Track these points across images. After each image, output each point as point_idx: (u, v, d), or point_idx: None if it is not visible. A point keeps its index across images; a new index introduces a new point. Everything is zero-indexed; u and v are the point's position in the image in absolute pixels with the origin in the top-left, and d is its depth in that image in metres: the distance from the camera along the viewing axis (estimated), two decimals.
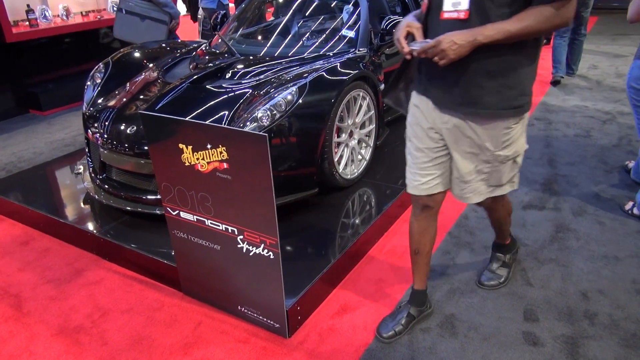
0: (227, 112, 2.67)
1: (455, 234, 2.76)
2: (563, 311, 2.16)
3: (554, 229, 2.76)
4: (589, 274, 2.38)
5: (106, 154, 2.78)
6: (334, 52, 3.30)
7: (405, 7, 4.14)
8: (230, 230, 1.99)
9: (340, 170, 2.87)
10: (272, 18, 4.17)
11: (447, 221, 2.89)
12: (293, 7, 3.81)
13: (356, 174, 3.04)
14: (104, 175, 2.88)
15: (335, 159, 2.82)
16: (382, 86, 3.26)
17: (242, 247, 1.99)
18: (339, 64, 2.86)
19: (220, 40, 3.66)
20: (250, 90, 2.80)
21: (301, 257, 2.43)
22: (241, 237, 1.98)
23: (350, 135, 2.99)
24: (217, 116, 2.66)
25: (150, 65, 3.41)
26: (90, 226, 2.74)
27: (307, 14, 3.82)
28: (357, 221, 2.71)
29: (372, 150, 3.19)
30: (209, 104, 2.75)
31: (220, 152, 1.83)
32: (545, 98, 5.01)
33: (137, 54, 3.60)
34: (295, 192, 2.71)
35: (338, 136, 2.88)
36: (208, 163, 1.89)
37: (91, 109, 3.07)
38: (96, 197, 2.81)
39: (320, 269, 2.30)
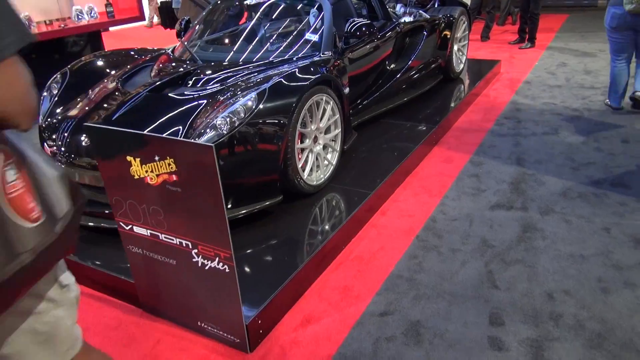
0: (185, 121, 2.60)
1: (423, 237, 2.73)
2: (528, 313, 2.13)
3: (521, 229, 2.75)
4: (555, 274, 2.36)
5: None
6: (298, 56, 3.25)
7: (371, 9, 4.12)
8: (184, 244, 1.93)
9: (304, 177, 2.82)
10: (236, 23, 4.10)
11: (415, 225, 2.86)
12: (258, 12, 3.76)
13: (322, 179, 2.99)
14: None
15: (299, 166, 2.77)
16: (347, 90, 3.22)
17: (198, 261, 1.93)
18: (298, 69, 2.81)
19: (183, 47, 3.58)
20: (209, 99, 2.73)
21: (264, 267, 2.37)
22: (195, 250, 1.91)
23: (315, 140, 2.94)
24: (175, 125, 2.59)
25: (112, 73, 3.32)
26: None
27: (272, 19, 3.77)
28: (324, 227, 2.66)
29: (339, 154, 3.14)
30: (166, 113, 2.68)
31: (169, 164, 1.76)
32: (514, 96, 5.03)
33: (98, 63, 3.50)
34: (258, 201, 2.65)
35: (301, 142, 2.83)
36: (157, 175, 1.82)
37: (47, 120, 2.97)
38: None
39: (284, 279, 2.24)
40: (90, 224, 2.60)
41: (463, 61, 5.26)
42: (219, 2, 3.89)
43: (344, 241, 2.71)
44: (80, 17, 5.59)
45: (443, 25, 4.72)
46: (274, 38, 3.49)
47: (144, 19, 6.21)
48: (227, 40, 3.66)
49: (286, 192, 2.82)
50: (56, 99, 3.13)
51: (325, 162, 3.06)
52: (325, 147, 3.05)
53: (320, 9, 3.51)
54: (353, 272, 2.47)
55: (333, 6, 3.61)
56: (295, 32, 3.48)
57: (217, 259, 1.86)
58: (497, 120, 4.40)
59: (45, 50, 5.53)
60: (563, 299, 2.21)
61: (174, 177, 1.78)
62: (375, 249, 2.64)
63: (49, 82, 3.26)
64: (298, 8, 3.72)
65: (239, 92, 2.65)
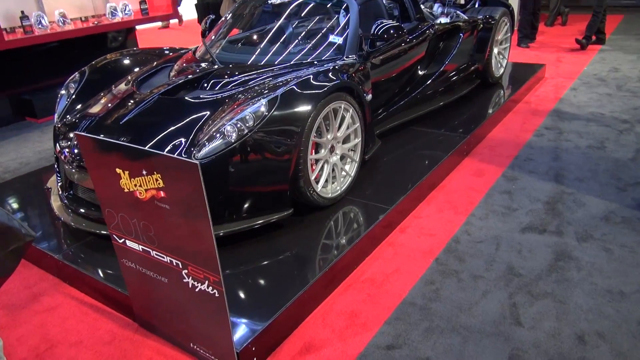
0: (194, 126, 2.49)
1: (443, 261, 2.51)
2: (554, 358, 1.89)
3: (553, 257, 2.48)
4: (589, 313, 2.10)
5: (70, 170, 2.62)
6: (321, 59, 3.09)
7: (404, 10, 3.89)
8: (175, 263, 1.80)
9: (318, 189, 2.65)
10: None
11: (436, 245, 2.64)
12: (281, 12, 3.61)
13: (338, 192, 2.81)
14: (70, 193, 2.73)
15: (313, 177, 2.60)
16: (370, 97, 3.03)
17: (188, 282, 1.80)
18: (314, 75, 2.64)
19: (204, 47, 3.48)
20: (222, 103, 2.61)
21: (267, 286, 2.22)
22: (185, 271, 1.78)
23: (332, 150, 2.77)
24: (183, 130, 2.48)
25: (130, 74, 3.26)
26: (52, 247, 2.59)
27: (295, 20, 3.61)
28: (336, 244, 2.49)
29: (358, 165, 2.96)
30: (176, 117, 2.57)
31: (156, 180, 1.64)
32: (558, 104, 4.68)
33: (120, 62, 3.46)
34: (266, 214, 2.50)
35: (316, 152, 2.66)
36: (146, 190, 1.70)
37: (63, 120, 2.93)
38: (60, 217, 2.65)
39: (286, 301, 2.09)
40: (94, 230, 2.53)
41: (504, 65, 4.94)
42: (242, 2, 3.76)
43: (356, 260, 2.53)
44: (114, 14, 5.62)
45: (482, 26, 4.44)
46: (296, 40, 3.33)
47: (178, 17, 6.17)
48: (248, 42, 3.54)
49: (299, 203, 2.67)
50: (74, 97, 3.09)
51: (343, 173, 2.88)
52: (343, 157, 2.87)
53: (347, 10, 3.33)
54: (362, 296, 2.29)
55: (362, 6, 3.42)
56: (319, 34, 3.30)
57: (206, 282, 1.73)
58: (536, 131, 4.09)
59: (81, 46, 5.60)
60: (596, 343, 1.95)
61: (162, 194, 1.65)
62: (390, 271, 2.45)
63: (67, 81, 3.23)
64: (323, 8, 3.55)
65: (251, 98, 2.51)
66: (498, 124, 4.25)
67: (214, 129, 2.40)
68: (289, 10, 3.55)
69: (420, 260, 2.52)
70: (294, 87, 2.51)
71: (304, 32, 3.43)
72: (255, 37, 3.62)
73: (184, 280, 1.81)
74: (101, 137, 2.55)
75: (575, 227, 2.73)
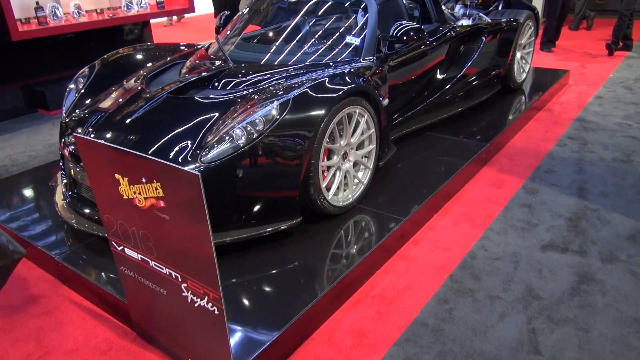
0: (201, 128, 2.39)
1: (458, 278, 2.38)
2: None
3: (576, 279, 2.34)
4: (614, 343, 1.96)
5: (75, 169, 2.54)
6: (337, 61, 2.97)
7: (425, 10, 3.75)
8: (174, 276, 1.70)
9: (329, 197, 2.54)
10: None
11: (451, 260, 2.51)
12: (297, 10, 3.49)
13: (350, 200, 2.70)
14: (75, 192, 2.65)
15: (324, 185, 2.49)
16: (386, 102, 2.90)
17: (187, 296, 1.70)
18: (329, 78, 2.52)
19: (217, 44, 3.38)
20: (232, 104, 2.51)
21: (271, 300, 2.12)
22: (185, 285, 1.68)
23: (345, 157, 2.65)
24: (190, 132, 2.38)
25: (141, 70, 3.17)
26: (53, 247, 2.51)
27: (312, 18, 3.49)
28: (345, 256, 2.37)
29: (372, 173, 2.84)
30: (184, 118, 2.47)
31: (156, 188, 1.54)
32: (582, 113, 4.50)
33: (132, 57, 3.38)
34: (274, 222, 2.40)
35: (328, 158, 2.55)
36: (145, 199, 1.60)
37: (70, 115, 2.85)
38: (62, 216, 2.58)
39: (291, 317, 1.99)
40: (95, 233, 2.44)
41: (526, 70, 4.77)
42: None
43: (366, 274, 2.41)
44: (129, 6, 5.55)
45: (505, 30, 4.27)
46: (312, 40, 3.21)
47: (194, 11, 6.09)
48: (262, 40, 3.43)
49: (308, 211, 2.56)
50: (82, 91, 3.02)
51: (356, 180, 2.76)
52: (356, 164, 2.76)
53: (365, 9, 3.20)
54: (372, 313, 2.18)
55: (382, 6, 3.29)
56: (335, 35, 3.18)
57: (206, 297, 1.63)
58: (559, 140, 3.92)
59: (96, 38, 5.54)
60: None
61: (162, 203, 1.55)
62: (401, 287, 2.33)
63: (76, 76, 3.15)
64: (341, 7, 3.42)
65: (263, 100, 2.41)
66: (519, 131, 4.09)
67: (223, 131, 2.30)
68: (305, 8, 3.43)
69: (434, 276, 2.40)
70: (307, 90, 2.40)
71: (320, 32, 3.31)
72: (269, 35, 3.51)
73: (183, 294, 1.71)
74: (108, 135, 2.49)
75: (599, 246, 2.58)
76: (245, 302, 2.11)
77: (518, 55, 4.56)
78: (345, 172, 2.66)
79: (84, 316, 2.24)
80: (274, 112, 2.29)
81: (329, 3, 3.42)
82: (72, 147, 2.55)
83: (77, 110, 2.87)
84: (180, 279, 1.69)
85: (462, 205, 3.01)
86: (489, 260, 2.50)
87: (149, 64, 3.29)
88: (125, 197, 1.66)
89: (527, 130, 4.15)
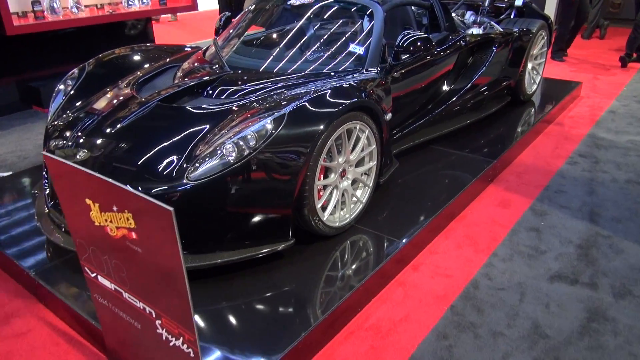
0: (189, 141, 2.24)
1: (459, 309, 2.23)
2: None
3: (586, 315, 2.18)
4: None
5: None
6: (339, 71, 2.81)
7: (433, 17, 3.58)
8: (148, 311, 1.56)
9: (324, 218, 2.39)
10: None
11: (452, 289, 2.36)
12: (300, 15, 3.33)
13: (347, 220, 2.55)
14: (56, 202, 2.51)
15: (319, 205, 2.34)
16: (389, 116, 2.74)
17: (162, 334, 1.56)
18: (328, 91, 2.37)
19: (214, 48, 3.23)
20: (224, 115, 2.36)
21: (258, 330, 1.97)
22: (159, 322, 1.54)
23: (343, 174, 2.50)
24: (177, 145, 2.23)
25: (134, 73, 3.02)
26: (30, 261, 2.37)
27: (315, 25, 3.32)
28: (340, 281, 2.22)
29: (371, 191, 2.68)
30: (171, 129, 2.33)
31: (127, 219, 1.39)
32: (594, 129, 4.33)
33: (129, 58, 3.24)
34: (265, 244, 2.25)
35: (325, 177, 2.40)
36: (117, 228, 1.45)
37: (56, 119, 2.72)
38: (41, 227, 2.43)
39: (280, 351, 1.84)
40: (70, 248, 2.29)
41: (537, 81, 4.60)
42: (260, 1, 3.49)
43: (361, 302, 2.26)
44: (130, 3, 5.40)
45: (517, 40, 4.10)
46: (314, 48, 3.05)
47: (197, 8, 5.93)
48: (261, 46, 3.27)
49: (302, 230, 2.41)
50: (71, 93, 2.89)
51: (354, 199, 2.61)
52: (355, 181, 2.60)
53: (371, 16, 3.04)
54: (365, 348, 2.03)
55: (389, 13, 3.13)
56: (339, 43, 3.02)
57: (181, 338, 1.48)
58: (570, 158, 3.76)
59: (95, 34, 5.40)
60: None
61: (133, 235, 1.41)
62: (398, 318, 2.18)
63: (65, 77, 3.01)
64: (346, 13, 3.26)
65: (258, 112, 2.25)
66: (527, 147, 3.93)
67: (214, 145, 2.15)
68: (308, 13, 3.27)
69: (433, 307, 2.25)
70: (305, 104, 2.25)
71: (323, 39, 3.15)
72: (269, 40, 3.36)
73: (158, 331, 1.56)
74: (90, 146, 2.34)
75: (611, 279, 2.41)
76: (230, 331, 1.96)
77: (529, 66, 4.39)
78: (343, 190, 2.51)
79: (57, 340, 2.09)
80: (268, 127, 2.14)
81: (333, 8, 3.26)
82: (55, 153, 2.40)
83: (64, 114, 2.73)
84: (154, 315, 1.54)
85: (465, 227, 2.85)
86: (493, 291, 2.35)
87: (146, 66, 3.14)
88: (97, 223, 1.52)
89: (536, 145, 3.98)
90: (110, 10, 5.25)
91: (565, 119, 4.54)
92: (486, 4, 4.70)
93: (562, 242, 2.71)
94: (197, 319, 2.00)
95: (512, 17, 4.64)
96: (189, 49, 3.53)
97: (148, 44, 3.63)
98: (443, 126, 3.59)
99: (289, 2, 3.34)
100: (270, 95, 2.48)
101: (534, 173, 3.50)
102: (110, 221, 1.46)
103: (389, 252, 2.43)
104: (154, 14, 5.86)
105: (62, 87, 2.96)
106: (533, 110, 4.43)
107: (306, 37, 3.15)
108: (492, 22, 4.21)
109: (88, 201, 1.49)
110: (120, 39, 5.72)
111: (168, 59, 3.26)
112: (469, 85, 3.72)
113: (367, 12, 3.08)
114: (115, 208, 1.40)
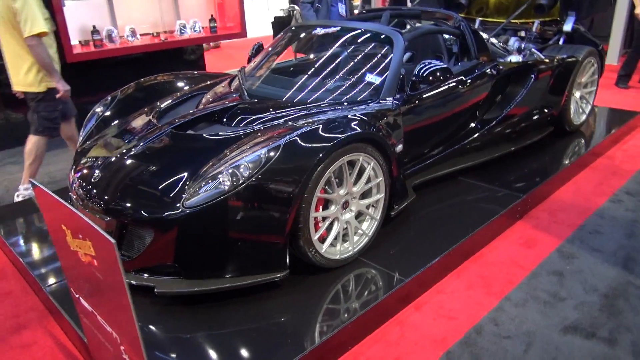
0: (192, 168, 2.30)
1: (455, 356, 2.10)
2: None
3: None
4: None
5: (74, 201, 2.55)
6: (356, 101, 2.79)
7: (464, 45, 3.47)
8: (114, 336, 1.60)
9: (322, 250, 2.35)
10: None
11: (452, 333, 2.23)
12: (325, 45, 3.36)
13: (349, 253, 2.49)
14: None
15: (316, 237, 2.31)
16: (399, 148, 2.68)
17: (125, 359, 1.59)
18: (328, 123, 2.35)
19: (240, 76, 3.33)
20: (231, 143, 2.41)
21: None
22: (123, 347, 1.57)
23: (345, 206, 2.46)
24: (181, 172, 2.30)
25: (160, 101, 3.17)
26: (45, 276, 2.52)
27: (336, 55, 3.33)
28: (335, 316, 2.17)
29: (378, 224, 2.61)
30: (178, 156, 2.42)
31: (89, 246, 1.45)
32: None
33: (169, 84, 3.43)
34: (259, 273, 2.25)
35: (326, 208, 2.37)
36: (85, 254, 1.52)
37: (85, 143, 2.90)
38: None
39: None
40: None
41: (586, 111, 4.32)
42: (286, 30, 3.57)
43: (353, 338, 2.19)
44: (183, 31, 5.71)
45: (559, 67, 3.88)
46: (330, 77, 3.06)
47: (246, 35, 6.16)
48: (281, 75, 3.32)
49: (302, 261, 2.39)
50: (104, 116, 3.08)
51: (359, 231, 2.56)
52: (361, 213, 2.55)
53: (392, 46, 3.00)
54: None
55: (419, 41, 3.08)
56: (357, 73, 3.01)
57: None
58: (614, 195, 3.46)
59: (151, 61, 5.73)
60: None
61: (95, 262, 1.46)
62: (393, 358, 2.09)
63: (98, 103, 3.22)
64: (368, 43, 3.24)
65: (255, 144, 2.29)
66: (568, 181, 3.67)
67: (210, 174, 2.20)
68: (332, 44, 3.29)
69: (428, 351, 2.13)
70: (301, 135, 2.24)
71: (341, 69, 3.15)
72: (289, 70, 3.41)
73: (123, 357, 1.60)
74: (103, 169, 2.45)
75: (634, 335, 2.18)
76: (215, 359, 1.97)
77: (577, 94, 4.13)
78: (346, 222, 2.47)
79: (58, 355, 2.20)
80: (262, 157, 2.16)
81: (356, 38, 3.26)
82: (78, 178, 2.55)
83: (94, 137, 2.92)
84: (119, 341, 1.58)
85: (481, 266, 2.70)
86: (497, 338, 2.19)
87: (178, 93, 3.29)
88: (72, 248, 1.59)
89: (579, 180, 3.71)
90: (164, 38, 5.57)
91: (617, 152, 4.21)
92: (533, 29, 4.51)
93: (586, 290, 2.49)
94: (182, 344, 2.03)
95: (561, 43, 4.41)
96: (226, 77, 3.64)
97: (195, 72, 3.78)
98: (472, 157, 3.44)
99: (313, 32, 3.39)
100: (274, 125, 2.50)
101: (569, 210, 3.26)
102: (80, 247, 1.52)
103: (390, 289, 2.35)
104: (205, 41, 6.15)
105: (98, 110, 3.17)
106: (581, 141, 4.15)
107: (324, 67, 3.16)
108: (534, 49, 4.02)
109: (63, 227, 1.57)
110: (177, 64, 6.03)
111: (198, 86, 3.39)
112: (502, 115, 3.55)
113: (388, 41, 3.05)
114: (80, 236, 1.47)
